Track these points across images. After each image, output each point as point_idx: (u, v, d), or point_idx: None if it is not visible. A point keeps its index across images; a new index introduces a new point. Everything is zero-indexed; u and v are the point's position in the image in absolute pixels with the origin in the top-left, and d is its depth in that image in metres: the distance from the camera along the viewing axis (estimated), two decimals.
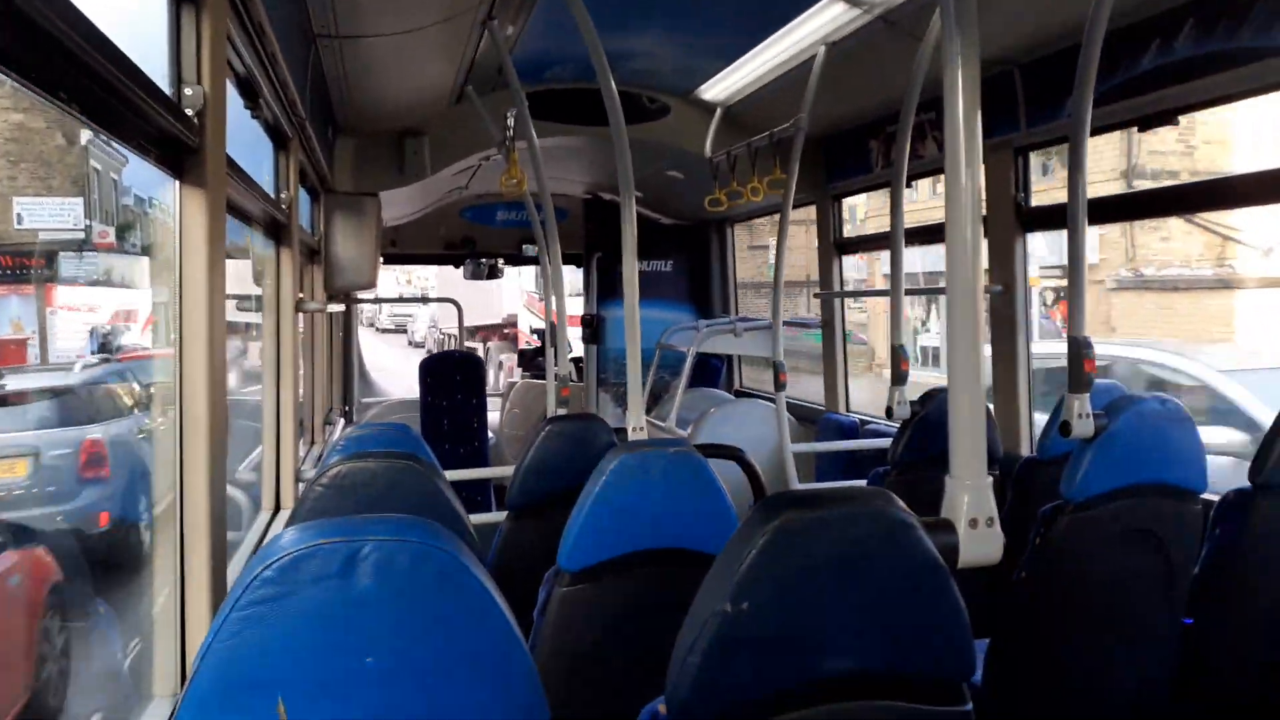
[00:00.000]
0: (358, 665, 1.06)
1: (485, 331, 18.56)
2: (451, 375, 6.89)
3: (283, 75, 2.84)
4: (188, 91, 1.88)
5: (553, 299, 4.94)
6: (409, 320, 31.42)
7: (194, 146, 1.91)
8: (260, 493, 3.58)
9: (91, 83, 1.38)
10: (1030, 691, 2.41)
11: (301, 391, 4.40)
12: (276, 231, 3.60)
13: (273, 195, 3.34)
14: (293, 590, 1.05)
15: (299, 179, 3.77)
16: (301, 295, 3.89)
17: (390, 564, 1.07)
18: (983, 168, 1.57)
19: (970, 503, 1.47)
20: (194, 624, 1.89)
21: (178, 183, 1.95)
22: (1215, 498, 2.44)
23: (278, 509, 3.52)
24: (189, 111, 1.86)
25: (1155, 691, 2.43)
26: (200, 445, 1.89)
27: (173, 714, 1.81)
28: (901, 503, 1.26)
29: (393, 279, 28.53)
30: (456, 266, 8.38)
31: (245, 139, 2.96)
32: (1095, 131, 2.95)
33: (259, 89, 2.74)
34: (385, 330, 33.91)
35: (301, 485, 3.62)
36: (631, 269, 3.15)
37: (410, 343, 29.00)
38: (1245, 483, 2.37)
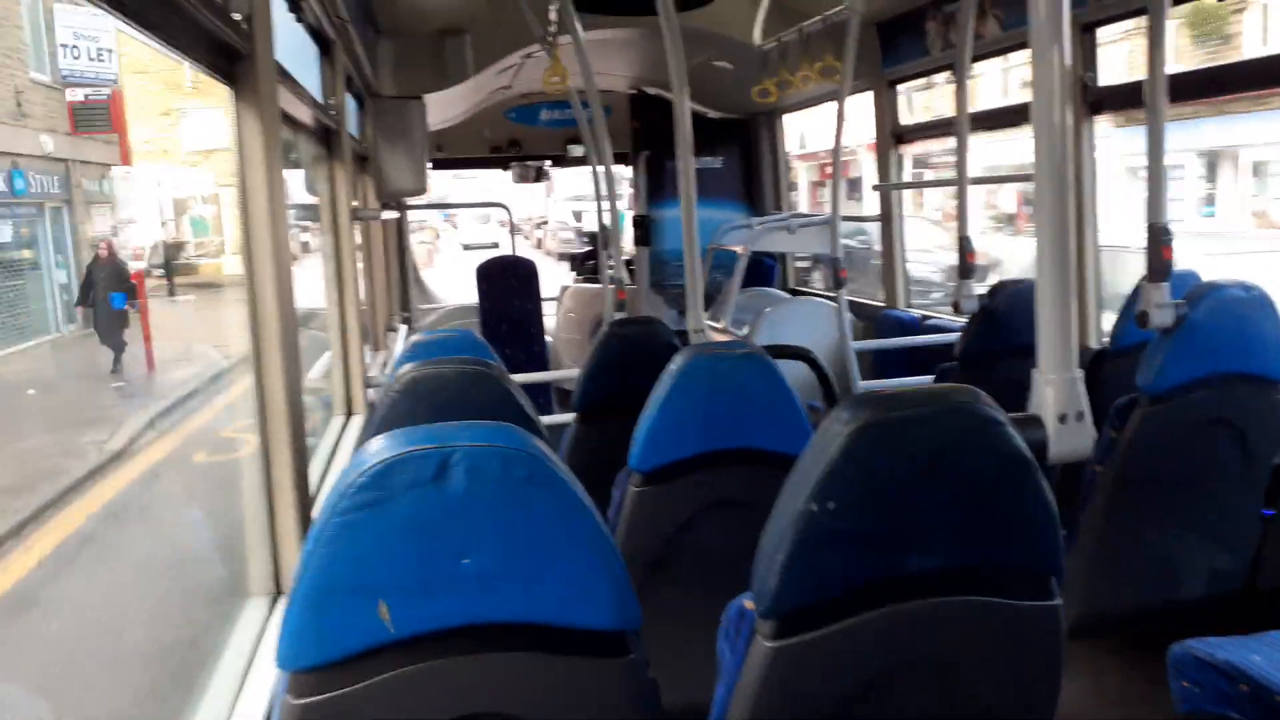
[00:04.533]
0: (454, 567, 1.09)
1: None
2: (508, 280, 6.92)
3: None
4: None
5: (604, 201, 4.87)
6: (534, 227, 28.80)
7: (244, 52, 1.89)
8: (330, 398, 3.67)
9: None
10: (1105, 584, 2.42)
11: (362, 299, 4.44)
12: (328, 140, 3.58)
13: (321, 102, 3.31)
14: (388, 496, 1.06)
15: (345, 85, 3.72)
16: (356, 203, 3.89)
17: (481, 468, 1.08)
18: (1069, 43, 1.48)
19: (1058, 397, 1.44)
20: (283, 526, 1.95)
21: (231, 91, 1.94)
22: None
23: (349, 414, 3.60)
24: (237, 17, 1.84)
25: (1230, 583, 2.42)
26: (274, 352, 1.92)
27: (270, 613, 1.90)
28: (989, 399, 1.24)
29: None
30: (504, 170, 8.32)
31: (290, 46, 2.93)
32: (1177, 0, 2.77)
33: None
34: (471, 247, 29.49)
35: (370, 391, 3.70)
36: (687, 167, 3.07)
37: (546, 251, 26.27)
38: None
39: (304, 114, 3.02)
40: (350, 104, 4.33)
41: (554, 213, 27.43)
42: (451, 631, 1.10)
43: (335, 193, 3.64)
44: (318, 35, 3.28)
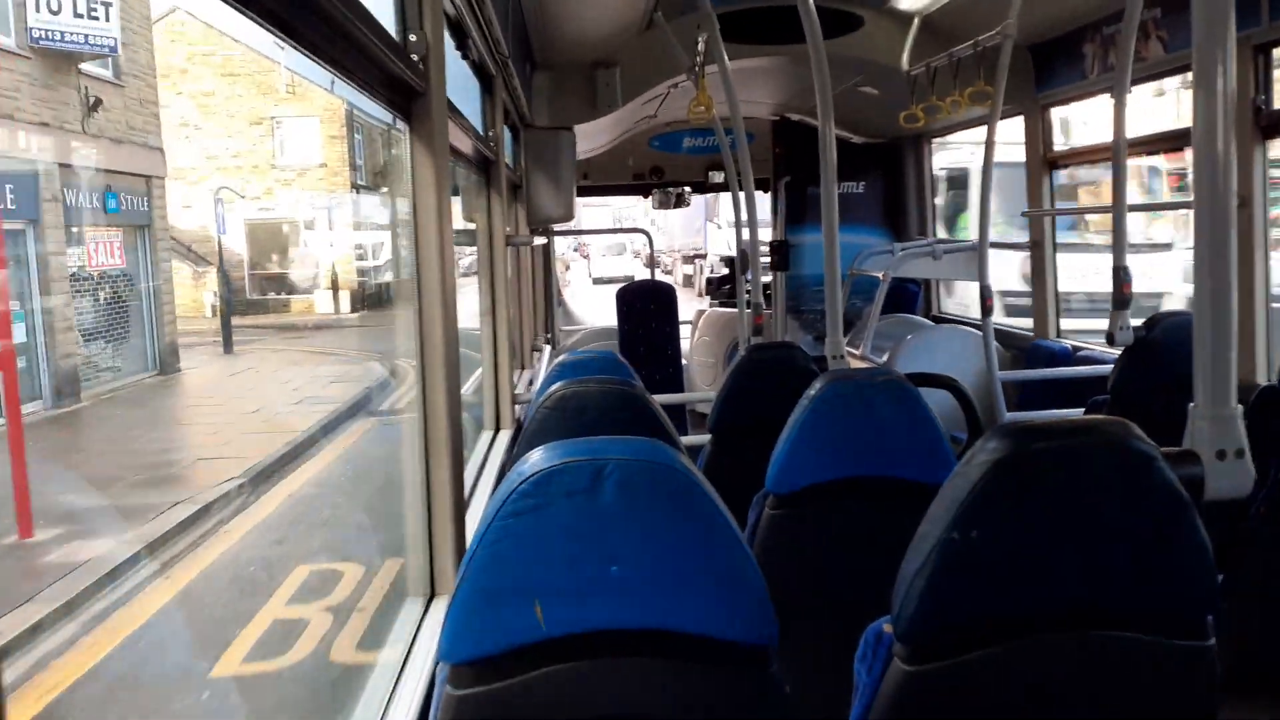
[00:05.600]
0: (603, 574, 1.15)
1: None
2: (646, 304, 7.14)
3: (488, 14, 2.95)
4: (412, 38, 2.00)
5: (744, 226, 4.92)
6: (680, 260, 24.56)
7: (420, 90, 2.03)
8: (479, 414, 3.85)
9: (334, 32, 1.51)
10: (1265, 632, 2.28)
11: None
12: (486, 169, 3.78)
13: (482, 134, 3.50)
14: (547, 503, 1.15)
15: (503, 117, 3.92)
16: (509, 230, 4.08)
17: (631, 481, 1.15)
18: (1235, 66, 1.44)
19: (1216, 433, 1.40)
20: (439, 532, 2.08)
21: (407, 126, 2.09)
22: None
23: (498, 428, 3.77)
24: (414, 57, 1.98)
25: None
26: (438, 368, 2.05)
27: (425, 612, 2.02)
28: (1140, 432, 1.22)
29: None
30: (645, 196, 8.52)
31: (456, 81, 3.11)
32: None
33: (468, 30, 2.87)
34: (603, 281, 25.25)
35: (518, 407, 3.87)
36: (831, 192, 3.10)
37: (699, 293, 21.03)
38: None
39: (466, 145, 3.21)
40: (505, 134, 4.56)
41: (712, 243, 22.10)
42: (598, 634, 1.17)
43: (491, 219, 3.84)
44: (480, 71, 3.48)
